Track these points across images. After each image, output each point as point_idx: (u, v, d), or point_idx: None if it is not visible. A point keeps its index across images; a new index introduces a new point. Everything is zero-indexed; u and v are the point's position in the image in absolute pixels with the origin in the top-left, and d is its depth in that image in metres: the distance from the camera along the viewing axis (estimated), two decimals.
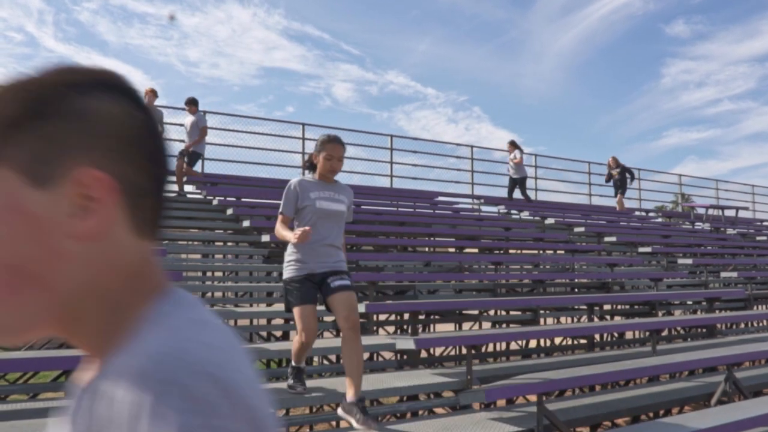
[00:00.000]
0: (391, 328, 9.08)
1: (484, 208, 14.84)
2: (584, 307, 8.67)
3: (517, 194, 14.72)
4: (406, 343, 5.26)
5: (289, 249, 3.69)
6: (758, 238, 16.69)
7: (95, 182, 0.54)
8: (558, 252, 11.49)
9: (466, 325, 9.51)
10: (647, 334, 8.71)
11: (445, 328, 10.26)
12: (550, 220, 13.40)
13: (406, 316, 7.50)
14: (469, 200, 15.41)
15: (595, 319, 8.48)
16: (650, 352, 6.59)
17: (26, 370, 4.10)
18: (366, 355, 6.93)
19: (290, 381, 4.04)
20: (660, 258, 12.18)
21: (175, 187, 10.61)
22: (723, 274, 11.16)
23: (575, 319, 10.55)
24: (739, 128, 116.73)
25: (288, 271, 3.68)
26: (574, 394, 6.35)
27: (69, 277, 0.54)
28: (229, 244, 9.24)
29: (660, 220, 18.50)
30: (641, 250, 11.78)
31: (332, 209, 3.70)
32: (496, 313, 9.04)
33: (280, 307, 7.26)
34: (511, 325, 8.40)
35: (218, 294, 7.92)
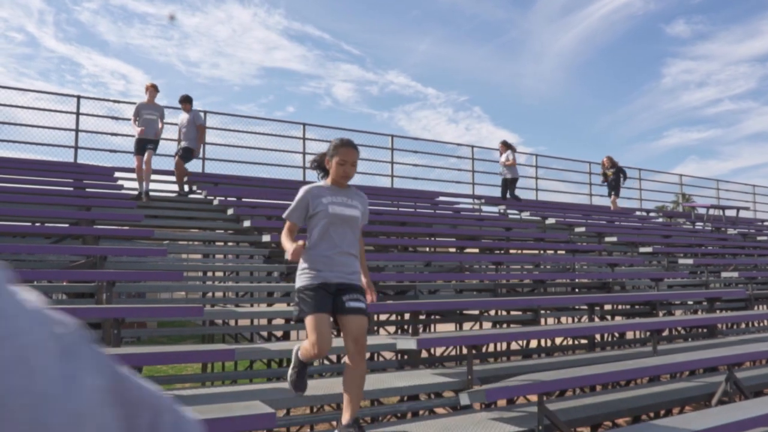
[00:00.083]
0: (391, 328, 9.08)
1: (484, 208, 14.83)
2: (585, 307, 8.66)
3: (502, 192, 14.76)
4: (407, 343, 5.26)
5: (302, 257, 3.51)
6: (759, 238, 16.68)
7: None
8: (559, 252, 11.48)
9: (466, 325, 9.51)
10: (648, 334, 8.71)
11: (446, 328, 10.25)
12: (550, 220, 13.39)
13: (407, 316, 7.50)
14: (470, 200, 15.41)
15: (596, 319, 8.47)
16: (651, 352, 6.59)
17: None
18: (366, 356, 6.94)
19: (293, 376, 3.67)
20: (661, 258, 12.18)
21: (176, 187, 10.61)
22: (724, 274, 11.15)
23: (576, 319, 10.54)
24: (740, 128, 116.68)
25: (301, 279, 3.49)
26: (575, 394, 6.35)
27: None
28: (230, 244, 9.25)
29: (661, 220, 18.49)
30: (642, 250, 11.77)
31: (346, 214, 3.54)
32: (496, 313, 9.04)
33: (280, 307, 7.27)
34: (511, 325, 8.40)
35: (219, 294, 7.92)
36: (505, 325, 8.58)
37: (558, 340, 9.37)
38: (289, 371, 3.70)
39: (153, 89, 9.63)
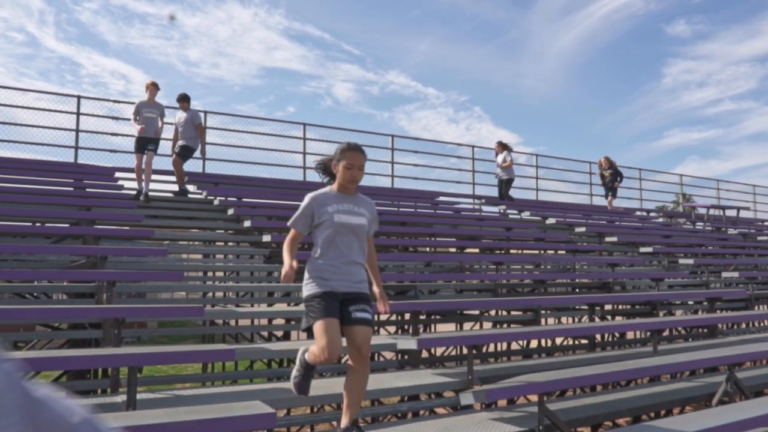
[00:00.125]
0: (392, 328, 9.08)
1: (485, 208, 14.83)
2: (585, 307, 8.66)
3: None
4: (408, 343, 5.26)
5: (309, 266, 3.47)
6: (759, 238, 16.68)
7: None
8: (559, 252, 11.48)
9: (467, 325, 9.50)
10: (648, 334, 8.70)
11: (446, 328, 10.25)
12: (551, 220, 13.39)
13: (407, 316, 7.50)
14: (470, 200, 15.41)
15: (596, 319, 8.47)
16: (651, 352, 6.58)
17: (26, 370, 4.09)
18: None
19: (297, 378, 3.52)
20: (661, 258, 12.17)
21: (176, 187, 10.59)
22: (724, 274, 11.15)
23: (576, 319, 10.54)
24: (741, 128, 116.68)
25: (308, 289, 3.42)
26: (576, 394, 6.35)
27: None
28: (230, 244, 9.24)
29: (661, 220, 18.48)
30: (642, 250, 11.77)
31: (352, 223, 3.45)
32: (497, 313, 9.04)
33: (281, 307, 7.27)
34: (512, 325, 8.40)
35: (219, 294, 7.92)
36: (505, 325, 8.58)
37: (558, 340, 9.37)
38: (293, 373, 3.57)
39: (153, 87, 9.60)
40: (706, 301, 9.58)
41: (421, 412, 5.07)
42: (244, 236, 8.89)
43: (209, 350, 4.40)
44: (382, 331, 8.80)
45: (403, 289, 7.90)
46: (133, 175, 9.73)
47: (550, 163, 21.25)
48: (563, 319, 9.87)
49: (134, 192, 9.53)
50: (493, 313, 9.04)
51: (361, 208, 3.55)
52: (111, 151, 11.65)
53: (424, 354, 6.59)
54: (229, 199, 10.11)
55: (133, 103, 9.88)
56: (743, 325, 10.03)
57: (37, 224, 7.61)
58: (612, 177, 15.73)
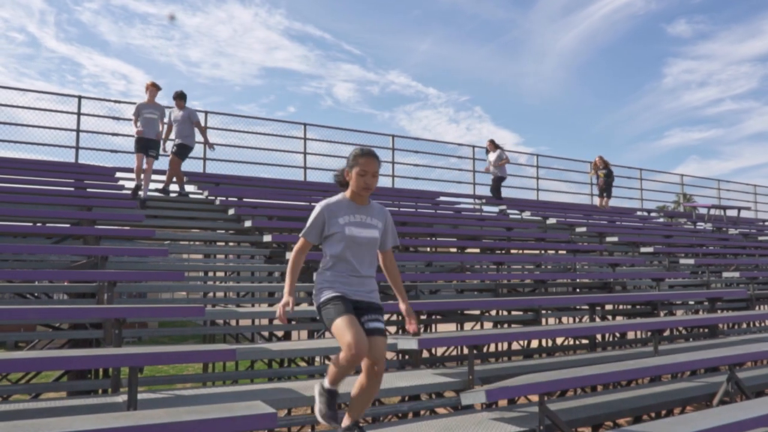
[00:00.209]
0: (392, 328, 9.07)
1: (485, 208, 14.84)
2: (586, 307, 8.66)
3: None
4: (408, 343, 5.26)
5: (319, 278, 3.38)
6: (760, 238, 16.67)
7: None
8: (560, 252, 11.48)
9: (467, 325, 9.50)
10: (649, 334, 8.70)
11: (447, 328, 10.25)
12: (551, 220, 13.39)
13: None
14: (471, 200, 15.42)
15: (597, 319, 8.47)
16: (652, 352, 6.58)
17: (28, 370, 4.10)
18: None
19: (320, 407, 3.34)
20: (662, 258, 12.17)
21: (176, 188, 10.59)
22: (725, 274, 11.14)
23: (577, 319, 10.54)
24: (741, 128, 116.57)
25: (320, 296, 3.32)
26: (576, 394, 6.35)
27: None
28: (231, 244, 9.25)
29: (662, 220, 18.48)
30: (643, 250, 11.77)
31: (363, 236, 3.33)
32: (497, 313, 9.04)
33: None
34: (512, 325, 8.40)
35: (220, 294, 7.93)
36: (506, 325, 8.58)
37: (559, 340, 9.37)
38: (317, 406, 3.38)
39: (153, 88, 9.54)
40: (706, 301, 9.57)
41: (422, 412, 5.08)
42: (244, 236, 8.90)
43: (210, 350, 4.40)
44: None
45: (404, 289, 7.89)
46: (134, 175, 9.71)
47: (550, 163, 21.25)
48: (564, 319, 9.87)
49: (133, 190, 9.48)
50: (493, 313, 9.04)
51: (374, 219, 3.42)
52: (112, 151, 11.66)
53: (425, 354, 6.59)
54: (230, 199, 10.11)
55: (133, 104, 9.87)
56: (744, 325, 10.03)
57: (38, 224, 7.62)
58: (606, 177, 15.73)
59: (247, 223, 8.61)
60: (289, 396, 4.39)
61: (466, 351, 5.40)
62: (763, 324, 10.13)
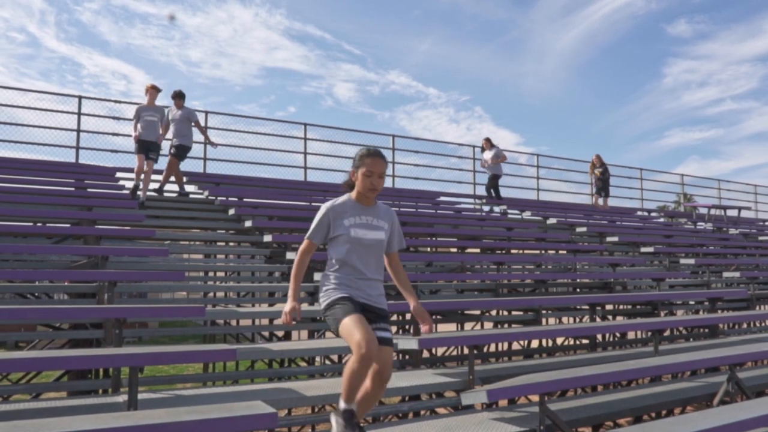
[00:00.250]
0: (393, 328, 9.07)
1: (485, 208, 14.84)
2: (586, 307, 8.66)
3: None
4: (409, 343, 5.26)
5: (324, 281, 3.32)
6: (760, 238, 16.66)
7: None
8: (560, 252, 11.48)
9: (468, 325, 9.51)
10: (649, 334, 8.70)
11: (447, 328, 10.26)
12: (552, 220, 13.39)
13: (408, 316, 7.50)
14: (471, 200, 15.42)
15: (597, 319, 8.47)
16: (652, 352, 6.58)
17: (28, 369, 4.10)
18: None
19: (340, 430, 3.17)
20: (662, 258, 12.17)
21: (176, 187, 10.59)
22: (725, 274, 11.14)
23: (577, 319, 10.54)
24: (742, 128, 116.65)
25: (326, 297, 3.26)
26: (577, 394, 6.35)
27: None
28: (231, 244, 9.25)
29: (662, 220, 18.47)
30: (643, 250, 11.76)
31: (368, 238, 3.28)
32: (498, 313, 9.03)
33: (282, 307, 7.27)
34: (513, 325, 8.40)
35: (220, 294, 7.93)
36: (506, 325, 8.58)
37: (559, 340, 9.36)
38: (334, 428, 3.25)
39: (153, 90, 9.52)
40: (707, 301, 9.57)
41: (422, 412, 5.07)
42: (245, 236, 8.90)
43: (210, 350, 4.40)
44: None
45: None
46: (134, 175, 9.71)
47: (551, 162, 21.21)
48: (564, 319, 9.87)
49: (132, 189, 9.47)
50: (494, 313, 9.04)
51: (381, 221, 3.38)
52: (112, 151, 11.66)
53: (425, 354, 6.59)
54: (230, 199, 10.11)
55: (134, 104, 9.87)
56: (744, 325, 10.02)
57: (39, 224, 7.62)
58: (603, 175, 15.72)
59: (248, 223, 8.61)
60: (290, 396, 4.39)
61: (466, 351, 5.40)
62: (763, 324, 10.12)
